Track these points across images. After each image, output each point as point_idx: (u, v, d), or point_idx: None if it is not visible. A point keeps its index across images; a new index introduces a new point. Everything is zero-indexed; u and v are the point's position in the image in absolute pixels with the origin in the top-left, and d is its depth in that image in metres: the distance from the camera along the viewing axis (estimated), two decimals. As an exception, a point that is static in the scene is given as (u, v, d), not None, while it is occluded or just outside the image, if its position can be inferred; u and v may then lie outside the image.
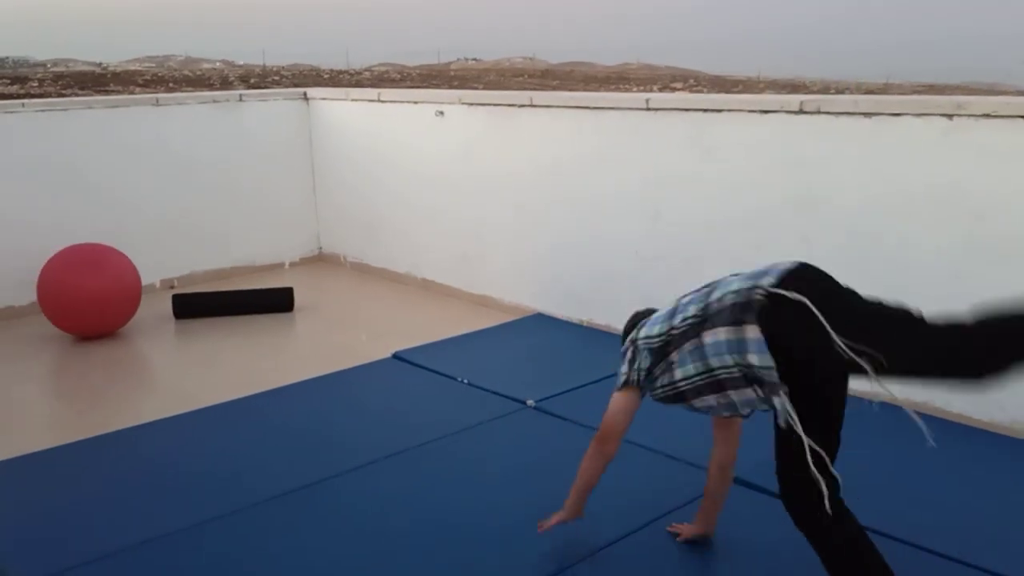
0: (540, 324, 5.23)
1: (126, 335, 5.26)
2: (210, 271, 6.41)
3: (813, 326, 2.20)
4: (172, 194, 6.21)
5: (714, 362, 2.35)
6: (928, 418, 3.88)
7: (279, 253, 6.81)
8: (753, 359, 2.25)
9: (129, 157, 6.02)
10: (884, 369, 2.23)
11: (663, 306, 2.65)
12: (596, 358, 4.58)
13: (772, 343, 2.22)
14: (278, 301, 5.67)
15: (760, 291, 2.27)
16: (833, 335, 2.19)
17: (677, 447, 3.52)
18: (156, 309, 5.66)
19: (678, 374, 2.46)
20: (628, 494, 3.20)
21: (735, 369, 2.31)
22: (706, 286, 2.53)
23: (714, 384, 2.38)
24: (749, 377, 2.30)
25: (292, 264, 6.87)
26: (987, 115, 3.55)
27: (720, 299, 2.38)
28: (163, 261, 6.18)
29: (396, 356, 4.68)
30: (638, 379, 2.58)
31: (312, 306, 5.80)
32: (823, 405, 2.30)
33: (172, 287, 6.16)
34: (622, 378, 2.62)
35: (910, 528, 2.90)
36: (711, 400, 2.44)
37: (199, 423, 3.93)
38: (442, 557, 2.85)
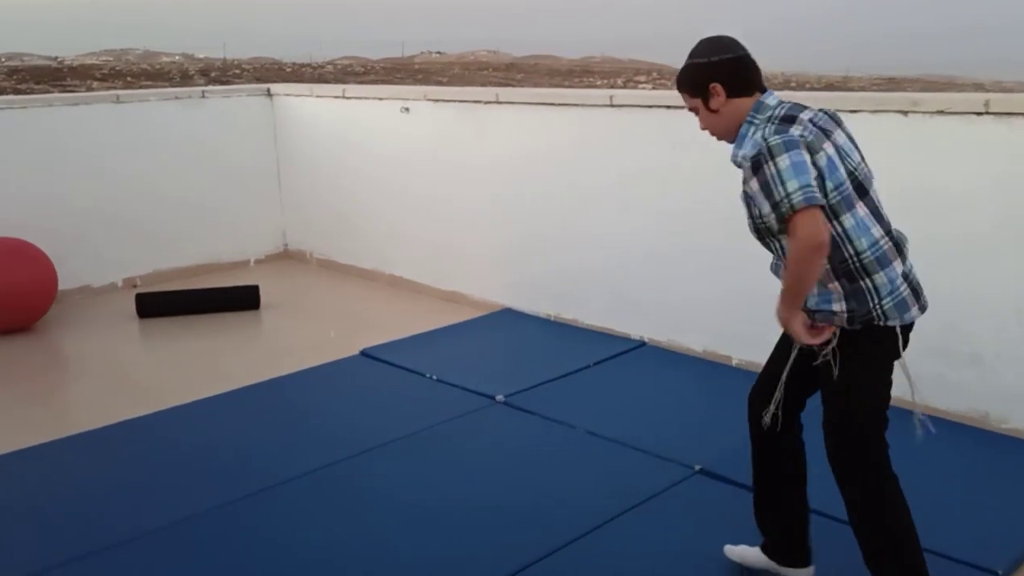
0: (509, 319, 5.26)
1: (88, 334, 5.20)
2: (174, 269, 6.35)
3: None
4: (134, 192, 6.14)
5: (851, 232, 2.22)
6: (891, 408, 3.98)
7: (244, 250, 6.77)
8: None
9: (90, 155, 5.94)
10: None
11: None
12: (565, 353, 4.63)
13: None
14: (244, 299, 5.64)
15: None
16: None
17: (646, 440, 3.57)
18: (119, 308, 5.61)
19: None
20: (599, 486, 3.24)
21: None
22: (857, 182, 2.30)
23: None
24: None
25: (258, 261, 6.83)
26: (941, 111, 3.64)
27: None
28: (126, 260, 6.12)
29: (364, 353, 4.69)
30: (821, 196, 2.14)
31: (278, 303, 5.77)
32: None
33: (135, 286, 6.10)
34: (814, 193, 2.10)
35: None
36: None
37: (168, 423, 3.92)
38: (417, 547, 2.87)
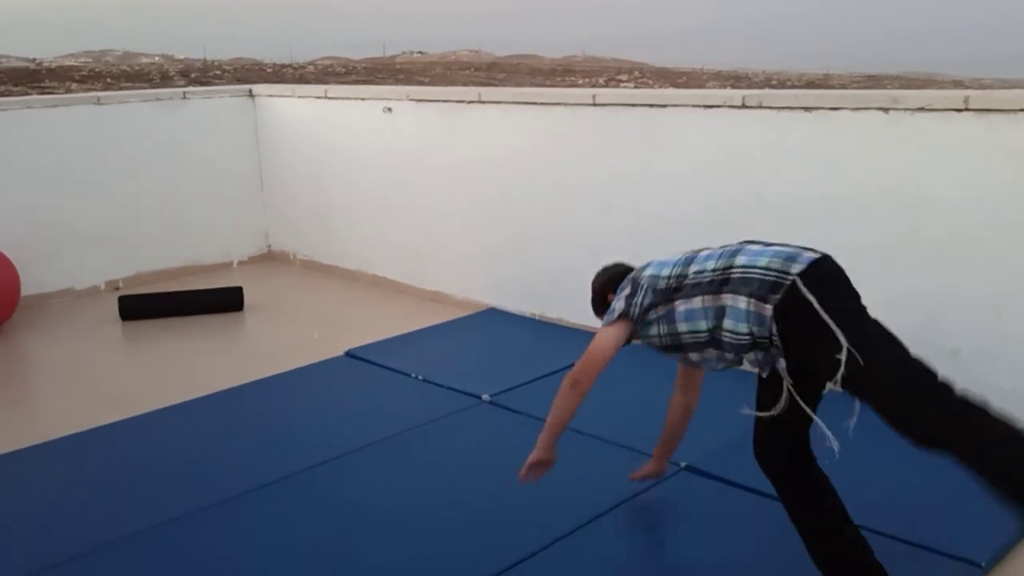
0: (493, 319, 5.27)
1: (70, 338, 5.16)
2: (157, 271, 6.32)
3: (825, 331, 2.30)
4: (116, 194, 6.10)
5: (727, 324, 2.41)
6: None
7: (227, 252, 6.74)
8: (765, 333, 2.35)
9: (71, 157, 5.90)
10: (849, 382, 2.33)
11: (644, 261, 2.70)
12: (550, 351, 4.63)
13: (781, 330, 2.32)
14: (228, 300, 5.62)
15: (789, 278, 2.33)
16: (842, 341, 2.30)
17: (632, 438, 3.59)
18: (101, 311, 5.57)
19: (683, 327, 2.50)
20: (583, 484, 3.25)
21: (747, 337, 2.38)
22: (727, 247, 2.54)
23: (720, 344, 2.46)
24: (759, 346, 2.40)
25: (241, 263, 6.80)
26: (922, 108, 3.67)
27: (745, 269, 2.40)
28: (108, 262, 6.08)
29: (349, 354, 4.68)
30: (635, 313, 2.56)
31: (262, 305, 5.75)
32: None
33: (117, 288, 6.06)
34: (615, 313, 2.59)
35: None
36: (712, 355, 2.52)
37: (153, 426, 3.90)
38: (405, 549, 2.87)
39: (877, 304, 3.89)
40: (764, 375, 2.49)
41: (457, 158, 5.48)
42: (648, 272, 2.63)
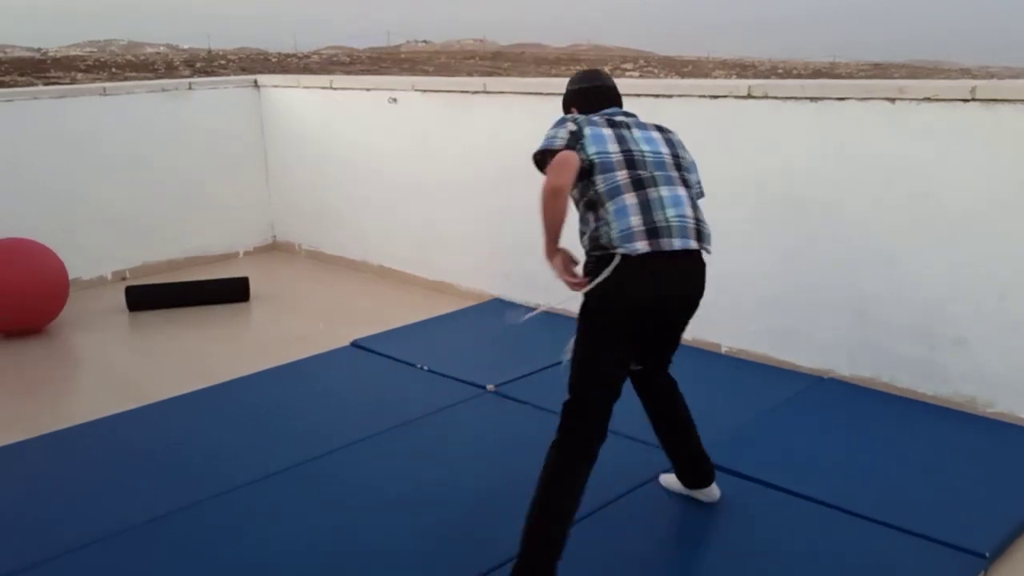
0: (498, 309, 5.27)
1: (78, 329, 5.18)
2: (163, 262, 6.34)
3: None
4: (123, 185, 6.12)
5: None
6: (877, 394, 4.03)
7: (233, 243, 6.75)
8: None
9: (77, 148, 5.91)
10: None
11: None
12: (555, 342, 4.62)
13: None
14: (234, 291, 5.63)
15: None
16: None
17: (635, 427, 3.60)
18: (109, 302, 5.59)
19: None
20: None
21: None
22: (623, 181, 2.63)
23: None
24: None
25: (246, 253, 6.82)
26: (928, 99, 3.66)
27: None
28: (115, 253, 6.09)
29: (355, 344, 4.69)
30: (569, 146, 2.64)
31: (268, 295, 5.77)
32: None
33: (124, 279, 6.08)
34: (553, 141, 2.68)
35: (845, 494, 3.01)
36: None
37: (162, 415, 3.91)
38: (412, 536, 2.89)
39: (882, 294, 3.91)
40: None
41: (462, 148, 5.47)
42: (586, 132, 2.67)
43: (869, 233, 3.91)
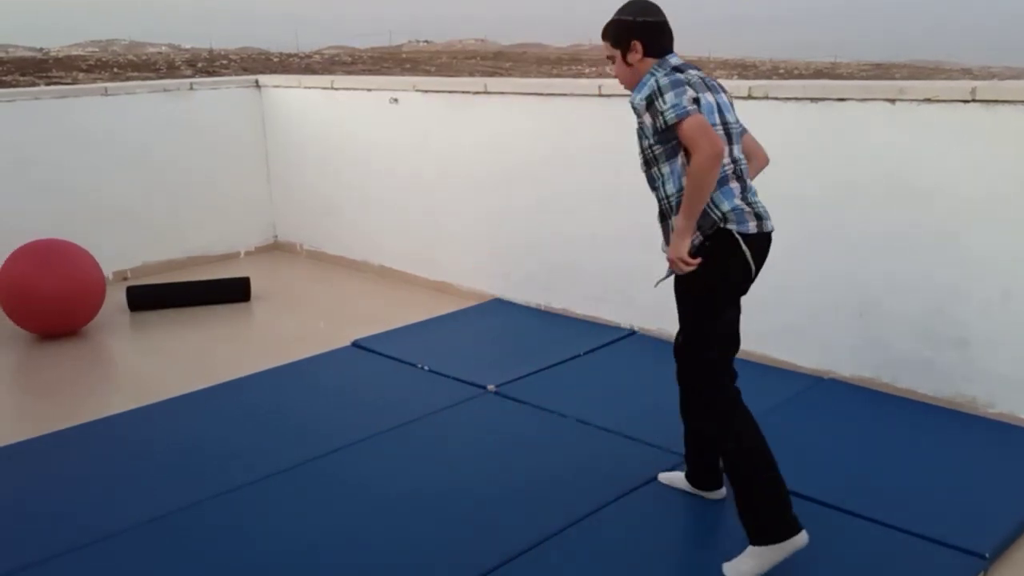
0: (499, 309, 5.28)
1: (80, 329, 5.19)
2: (164, 262, 6.34)
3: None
4: (124, 185, 6.12)
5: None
6: (878, 394, 4.03)
7: (234, 242, 6.76)
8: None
9: (79, 148, 5.92)
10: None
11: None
12: (556, 342, 4.65)
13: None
14: (235, 291, 5.64)
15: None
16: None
17: (637, 428, 3.60)
18: (110, 301, 5.58)
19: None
20: (590, 474, 3.27)
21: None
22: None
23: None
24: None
25: (247, 253, 6.82)
26: (928, 99, 3.66)
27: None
28: (116, 252, 6.09)
29: (356, 344, 4.69)
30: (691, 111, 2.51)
31: (269, 295, 5.77)
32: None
33: (125, 279, 6.08)
34: (687, 107, 2.50)
35: (842, 493, 3.02)
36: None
37: (162, 415, 3.92)
38: (413, 536, 2.89)
39: (883, 295, 3.91)
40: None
41: (463, 149, 5.48)
42: (706, 99, 2.61)
43: (870, 233, 3.91)
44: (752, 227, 2.65)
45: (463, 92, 5.43)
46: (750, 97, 4.18)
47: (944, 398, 3.79)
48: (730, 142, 2.68)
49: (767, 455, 2.63)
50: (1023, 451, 3.41)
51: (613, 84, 4.89)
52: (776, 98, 4.10)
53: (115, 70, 36.34)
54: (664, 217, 2.76)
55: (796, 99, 4.04)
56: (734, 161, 2.69)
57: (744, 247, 2.63)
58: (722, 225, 2.61)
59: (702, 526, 2.99)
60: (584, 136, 4.85)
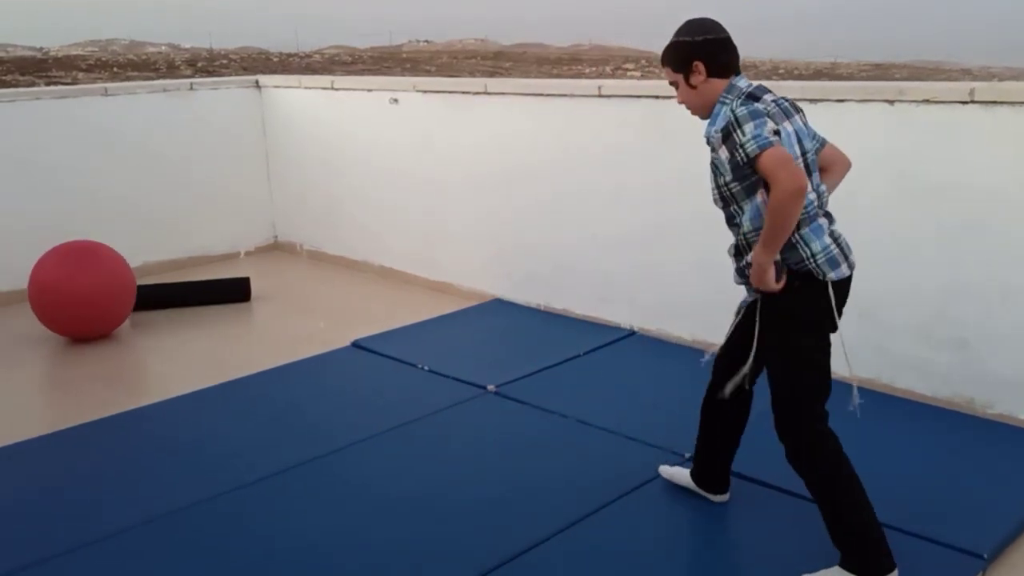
0: (499, 309, 5.28)
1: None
2: (164, 262, 6.34)
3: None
4: (124, 185, 6.12)
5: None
6: (877, 394, 4.04)
7: (234, 243, 6.76)
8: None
9: (79, 149, 5.92)
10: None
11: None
12: (555, 342, 4.65)
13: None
14: (235, 291, 5.64)
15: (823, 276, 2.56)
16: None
17: (637, 428, 3.61)
18: (110, 301, 5.59)
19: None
20: (591, 474, 3.27)
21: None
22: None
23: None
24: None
25: (247, 253, 6.83)
26: (927, 100, 3.67)
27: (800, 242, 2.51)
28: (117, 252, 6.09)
29: (356, 344, 4.70)
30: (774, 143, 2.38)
31: (269, 295, 5.78)
32: None
33: (126, 279, 6.08)
34: (768, 140, 2.34)
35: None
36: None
37: (162, 414, 3.93)
38: (413, 536, 2.90)
39: (883, 296, 3.91)
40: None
41: (463, 149, 5.48)
42: (785, 130, 2.47)
43: (870, 234, 3.90)
44: (844, 270, 2.55)
45: (463, 92, 5.44)
46: (750, 98, 4.18)
47: (943, 399, 3.80)
48: (809, 173, 2.53)
49: (858, 480, 2.59)
50: (1021, 452, 3.42)
51: (613, 85, 4.91)
52: (776, 99, 4.10)
53: (115, 70, 36.34)
54: (740, 253, 2.60)
55: (796, 100, 4.04)
56: (818, 195, 2.56)
57: (831, 294, 2.53)
58: (811, 265, 2.49)
59: (703, 526, 2.99)
60: (584, 137, 4.86)
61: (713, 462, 3.02)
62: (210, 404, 4.04)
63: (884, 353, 3.94)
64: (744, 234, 2.55)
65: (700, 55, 2.53)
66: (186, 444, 3.66)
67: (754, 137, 2.35)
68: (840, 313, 2.62)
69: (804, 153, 2.54)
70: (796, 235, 2.48)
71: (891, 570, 2.54)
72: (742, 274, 2.63)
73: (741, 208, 2.53)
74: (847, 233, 4.04)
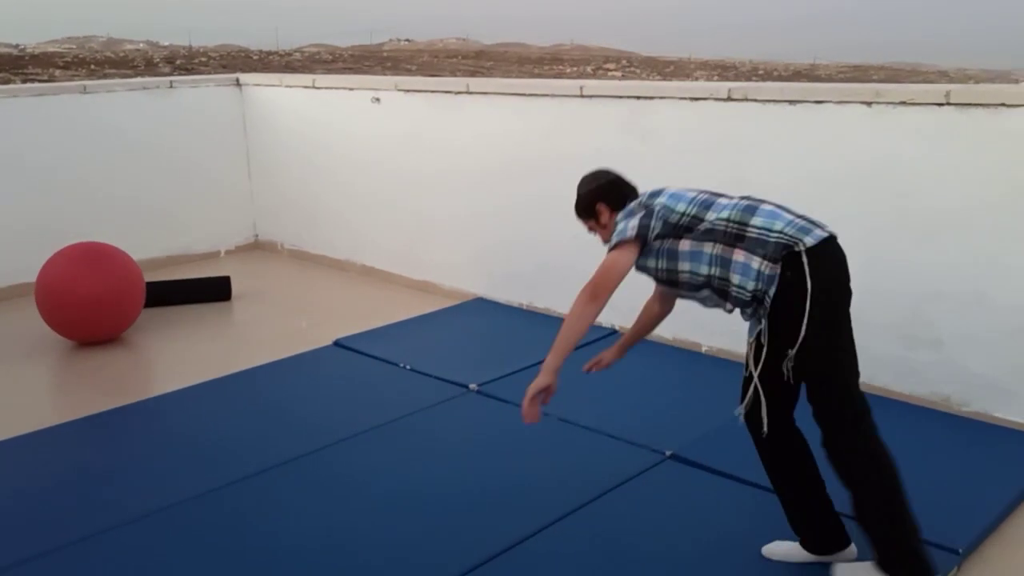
0: (481, 308, 5.30)
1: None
2: (144, 260, 6.25)
3: (800, 312, 2.44)
4: (103, 184, 6.08)
5: (735, 279, 2.51)
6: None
7: (215, 241, 6.73)
8: (765, 289, 2.47)
9: (58, 147, 5.88)
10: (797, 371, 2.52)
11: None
12: (538, 341, 4.63)
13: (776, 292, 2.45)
14: (216, 290, 5.63)
15: (799, 247, 2.46)
16: (802, 333, 2.45)
17: (618, 427, 3.63)
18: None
19: (685, 266, 2.59)
20: (573, 472, 3.29)
21: (749, 294, 2.49)
22: (746, 199, 2.60)
23: (722, 292, 2.56)
24: (757, 300, 2.50)
25: (228, 252, 6.80)
26: (904, 102, 3.72)
27: (761, 231, 2.49)
28: (95, 251, 6.05)
29: (338, 343, 4.70)
30: (650, 238, 2.61)
31: (250, 294, 5.76)
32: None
33: (105, 278, 6.04)
34: (629, 232, 2.60)
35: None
36: (705, 295, 2.62)
37: (143, 414, 3.92)
38: (394, 535, 2.91)
39: (861, 295, 3.95)
40: (750, 339, 2.60)
41: (445, 149, 5.49)
42: (661, 201, 2.64)
43: (849, 234, 3.94)
44: (820, 232, 2.53)
45: (445, 92, 5.45)
46: (730, 99, 4.22)
47: (920, 397, 3.85)
48: (753, 211, 2.54)
49: (901, 483, 2.58)
50: (996, 448, 3.47)
51: (595, 85, 4.94)
52: (756, 100, 4.15)
53: (92, 67, 36.01)
54: (746, 303, 2.55)
55: (775, 101, 4.09)
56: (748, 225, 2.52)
57: (821, 256, 2.47)
58: (784, 239, 2.46)
59: (685, 524, 3.02)
60: (566, 136, 4.88)
61: (823, 521, 2.71)
62: (191, 403, 4.02)
63: (863, 352, 3.96)
64: (740, 287, 2.50)
65: (600, 198, 2.87)
66: (167, 443, 3.65)
67: (619, 232, 2.65)
68: (846, 279, 2.58)
69: (699, 217, 2.58)
70: (752, 230, 2.49)
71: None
72: (749, 308, 2.56)
73: (721, 277, 2.53)
74: (832, 230, 4.08)
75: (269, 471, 3.34)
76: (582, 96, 4.79)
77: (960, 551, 2.77)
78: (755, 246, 2.48)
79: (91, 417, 3.87)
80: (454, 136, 5.43)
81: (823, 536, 2.71)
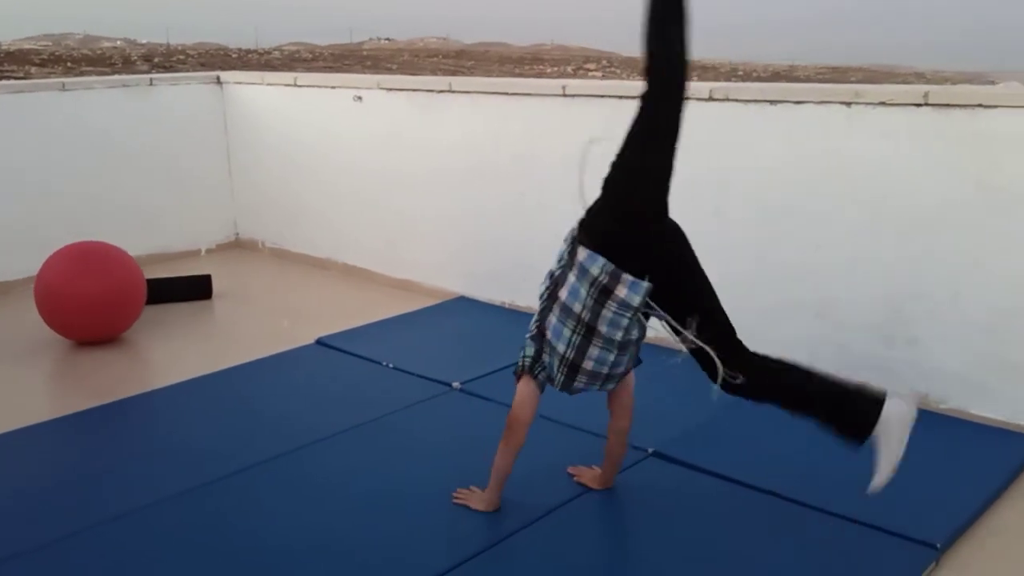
0: (463, 307, 5.30)
1: (40, 326, 5.10)
2: (123, 259, 6.26)
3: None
4: (82, 182, 6.04)
5: (576, 307, 2.60)
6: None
7: (195, 240, 6.69)
8: (595, 270, 2.59)
9: (35, 145, 5.82)
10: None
11: None
12: (520, 340, 4.65)
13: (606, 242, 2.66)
14: (196, 289, 5.60)
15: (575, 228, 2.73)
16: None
17: (600, 424, 3.64)
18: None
19: (560, 347, 2.69)
20: (556, 469, 3.31)
21: (590, 301, 2.60)
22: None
23: (589, 329, 2.62)
24: (608, 290, 2.57)
25: (208, 251, 6.76)
26: (883, 103, 3.76)
27: (558, 261, 2.80)
28: (73, 250, 6.00)
29: (319, 342, 4.69)
30: (526, 367, 2.82)
31: (231, 293, 5.74)
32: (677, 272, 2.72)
33: (84, 276, 5.99)
34: (517, 367, 2.86)
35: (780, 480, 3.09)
36: (595, 352, 2.67)
37: (124, 413, 3.89)
38: (377, 533, 2.91)
39: (840, 293, 4.00)
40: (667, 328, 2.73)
41: (428, 147, 5.49)
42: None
43: (828, 234, 4.00)
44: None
45: (427, 91, 5.45)
46: (711, 99, 4.25)
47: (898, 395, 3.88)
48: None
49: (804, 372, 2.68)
50: (973, 445, 3.52)
51: (577, 84, 4.95)
52: (736, 100, 4.18)
53: (69, 64, 35.63)
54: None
55: (756, 101, 4.12)
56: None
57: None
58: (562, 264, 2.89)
59: (668, 521, 3.03)
60: (548, 135, 4.90)
61: (839, 400, 2.74)
62: (171, 402, 4.00)
63: (842, 351, 4.03)
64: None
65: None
66: (146, 442, 3.63)
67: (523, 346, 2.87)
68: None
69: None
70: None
71: (882, 401, 2.62)
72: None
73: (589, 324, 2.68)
74: (801, 232, 4.14)
75: (250, 469, 3.33)
76: (564, 95, 4.80)
77: (938, 546, 2.81)
78: (559, 274, 2.84)
79: (68, 416, 3.84)
80: (436, 135, 5.43)
81: (866, 402, 2.71)
